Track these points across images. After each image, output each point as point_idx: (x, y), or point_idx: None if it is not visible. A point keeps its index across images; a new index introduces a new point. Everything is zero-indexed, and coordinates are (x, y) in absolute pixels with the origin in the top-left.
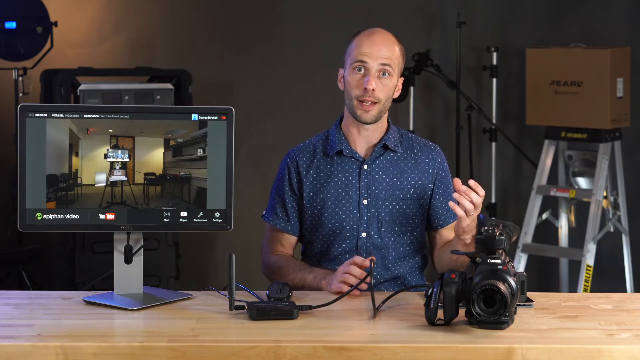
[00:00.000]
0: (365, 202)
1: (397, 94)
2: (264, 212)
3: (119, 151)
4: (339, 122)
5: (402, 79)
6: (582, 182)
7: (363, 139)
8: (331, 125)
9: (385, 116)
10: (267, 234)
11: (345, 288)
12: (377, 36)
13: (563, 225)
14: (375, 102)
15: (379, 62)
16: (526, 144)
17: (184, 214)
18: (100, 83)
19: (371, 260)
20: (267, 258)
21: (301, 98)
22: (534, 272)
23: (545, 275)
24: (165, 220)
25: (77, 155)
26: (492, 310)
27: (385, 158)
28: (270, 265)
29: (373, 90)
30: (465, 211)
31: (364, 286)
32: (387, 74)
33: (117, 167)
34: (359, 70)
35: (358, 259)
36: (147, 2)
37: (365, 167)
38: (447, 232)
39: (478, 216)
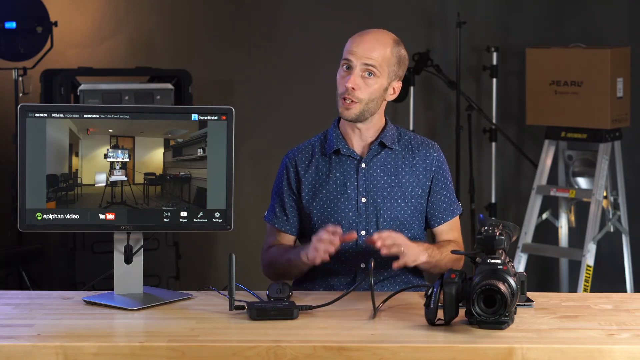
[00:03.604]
0: (363, 200)
1: (390, 97)
2: (266, 213)
3: (119, 151)
4: (337, 122)
5: (399, 83)
6: (582, 182)
7: (358, 137)
8: (330, 126)
9: (379, 115)
10: (267, 235)
11: (319, 255)
12: (368, 36)
13: (563, 225)
14: (355, 102)
15: (362, 61)
16: (526, 144)
17: (184, 214)
18: (100, 83)
19: (371, 260)
20: (263, 256)
21: (301, 98)
22: (534, 272)
23: (545, 275)
24: (165, 220)
25: (77, 155)
26: (492, 310)
27: (383, 156)
28: (264, 261)
29: (353, 88)
30: (396, 253)
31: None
32: (372, 74)
33: (117, 167)
34: (346, 68)
35: (329, 227)
36: (147, 2)
37: (363, 165)
38: (444, 230)
39: (478, 216)
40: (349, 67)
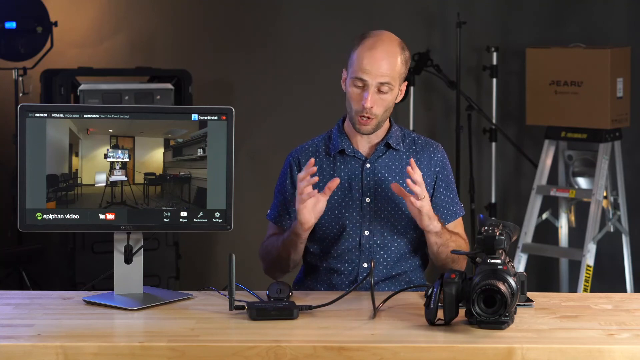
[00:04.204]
0: (367, 200)
1: (399, 99)
2: (268, 211)
3: (119, 151)
4: (341, 122)
5: (405, 83)
6: (582, 182)
7: (365, 139)
8: (332, 125)
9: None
10: (268, 232)
11: (304, 205)
12: (379, 51)
13: (563, 225)
14: (373, 118)
15: (377, 80)
16: (526, 144)
17: (184, 214)
18: (100, 83)
19: (371, 261)
20: (260, 251)
21: (301, 98)
22: (534, 272)
23: (545, 275)
24: (165, 220)
25: (77, 155)
26: (492, 310)
27: (388, 157)
28: (261, 254)
29: (371, 107)
30: (416, 195)
31: None
32: (386, 89)
33: (117, 167)
34: (358, 85)
35: (301, 174)
36: (147, 2)
37: (368, 165)
38: (447, 228)
39: (478, 216)
40: (363, 85)
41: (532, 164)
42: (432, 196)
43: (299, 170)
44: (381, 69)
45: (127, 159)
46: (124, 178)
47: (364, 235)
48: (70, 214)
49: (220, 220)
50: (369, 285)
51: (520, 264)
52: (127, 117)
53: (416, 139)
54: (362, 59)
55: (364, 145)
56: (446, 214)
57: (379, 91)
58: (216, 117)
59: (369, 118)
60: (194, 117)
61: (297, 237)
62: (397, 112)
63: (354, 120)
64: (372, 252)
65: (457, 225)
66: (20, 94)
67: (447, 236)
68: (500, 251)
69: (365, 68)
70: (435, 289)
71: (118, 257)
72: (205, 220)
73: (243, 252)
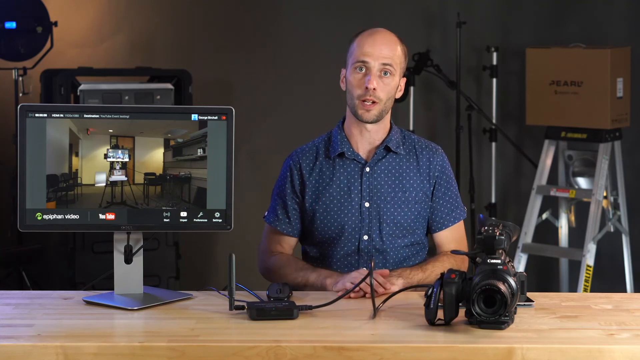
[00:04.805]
0: (367, 204)
1: (399, 94)
2: (266, 213)
3: (119, 151)
4: (341, 123)
5: (404, 79)
6: (582, 182)
7: (365, 140)
8: (332, 126)
9: (388, 117)
10: (266, 235)
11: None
12: (379, 36)
13: (563, 225)
14: (376, 102)
15: (380, 61)
16: (526, 144)
17: (184, 214)
18: (100, 83)
19: (371, 261)
20: (266, 259)
21: (301, 98)
22: (534, 272)
23: (545, 275)
24: (165, 220)
25: (77, 155)
26: (492, 310)
27: (387, 160)
28: (270, 266)
29: (374, 89)
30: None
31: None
32: (388, 73)
33: (117, 167)
34: (360, 69)
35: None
36: (147, 2)
37: (367, 169)
38: (446, 235)
39: (478, 216)
40: (364, 69)
41: (532, 164)
42: (430, 201)
43: (300, 174)
44: (383, 51)
45: (127, 159)
46: (124, 178)
47: (363, 240)
48: (70, 214)
49: (220, 220)
50: (369, 285)
51: (520, 264)
52: (127, 117)
53: (416, 142)
54: (363, 45)
55: (364, 147)
56: (445, 218)
57: (382, 75)
58: (216, 117)
59: (372, 102)
60: (194, 117)
61: (324, 288)
62: (397, 112)
63: (356, 109)
64: (371, 257)
65: (457, 234)
66: (20, 94)
67: (420, 276)
68: (500, 251)
69: (367, 51)
70: (435, 289)
71: (118, 257)
72: (205, 220)
73: (243, 252)
